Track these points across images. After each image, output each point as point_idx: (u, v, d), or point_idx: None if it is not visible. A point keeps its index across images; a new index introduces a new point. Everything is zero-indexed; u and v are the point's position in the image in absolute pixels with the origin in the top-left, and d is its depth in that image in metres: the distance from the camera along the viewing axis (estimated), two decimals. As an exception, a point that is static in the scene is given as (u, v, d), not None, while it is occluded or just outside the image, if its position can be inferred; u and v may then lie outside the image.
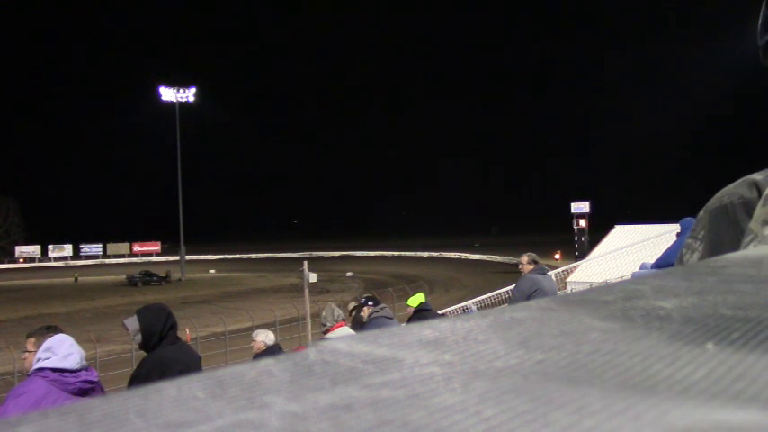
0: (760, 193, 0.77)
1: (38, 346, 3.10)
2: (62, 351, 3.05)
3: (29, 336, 3.26)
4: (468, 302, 19.79)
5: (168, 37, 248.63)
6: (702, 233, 0.84)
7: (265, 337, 5.66)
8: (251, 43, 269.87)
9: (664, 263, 4.88)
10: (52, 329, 3.23)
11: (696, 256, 0.84)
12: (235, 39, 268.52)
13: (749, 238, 0.70)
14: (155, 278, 56.73)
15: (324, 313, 5.12)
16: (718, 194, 0.84)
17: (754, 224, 0.70)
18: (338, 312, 5.14)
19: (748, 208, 0.78)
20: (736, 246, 0.77)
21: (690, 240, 0.86)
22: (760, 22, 0.80)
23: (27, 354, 3.18)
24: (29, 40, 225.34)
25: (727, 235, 0.80)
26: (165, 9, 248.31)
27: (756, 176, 0.80)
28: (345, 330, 5.05)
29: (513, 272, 16.04)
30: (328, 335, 4.88)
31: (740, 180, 0.82)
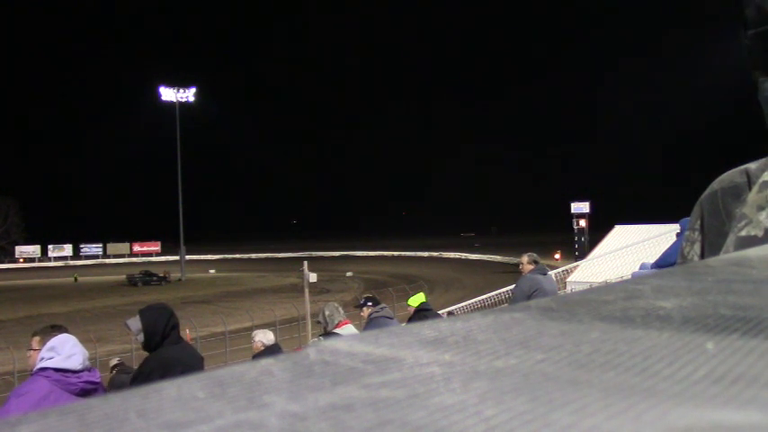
0: (749, 180, 0.79)
1: (42, 344, 3.09)
2: (65, 351, 3.04)
3: (34, 334, 3.25)
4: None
5: (168, 37, 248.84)
6: (698, 223, 0.85)
7: (263, 337, 5.65)
8: (251, 43, 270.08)
9: (664, 263, 4.88)
10: (57, 329, 3.22)
11: (697, 246, 0.85)
12: (235, 39, 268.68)
13: (743, 222, 0.72)
14: (154, 278, 56.72)
15: (327, 312, 5.09)
16: (712, 183, 0.86)
17: (748, 209, 0.72)
18: (342, 311, 5.21)
19: (737, 193, 0.80)
20: (721, 231, 0.79)
21: (689, 233, 0.88)
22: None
23: (31, 352, 3.17)
24: (29, 40, 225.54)
25: (716, 220, 0.82)
26: (166, 9, 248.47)
27: (751, 165, 0.82)
28: (350, 328, 5.06)
29: (513, 272, 16.04)
30: (337, 330, 4.91)
31: (735, 168, 0.83)
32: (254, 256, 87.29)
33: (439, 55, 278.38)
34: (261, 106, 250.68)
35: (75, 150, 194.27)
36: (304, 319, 22.36)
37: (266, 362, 0.24)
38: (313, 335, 20.07)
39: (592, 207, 39.46)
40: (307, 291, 22.79)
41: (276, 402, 0.20)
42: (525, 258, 6.19)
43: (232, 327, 25.54)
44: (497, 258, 60.72)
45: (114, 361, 6.74)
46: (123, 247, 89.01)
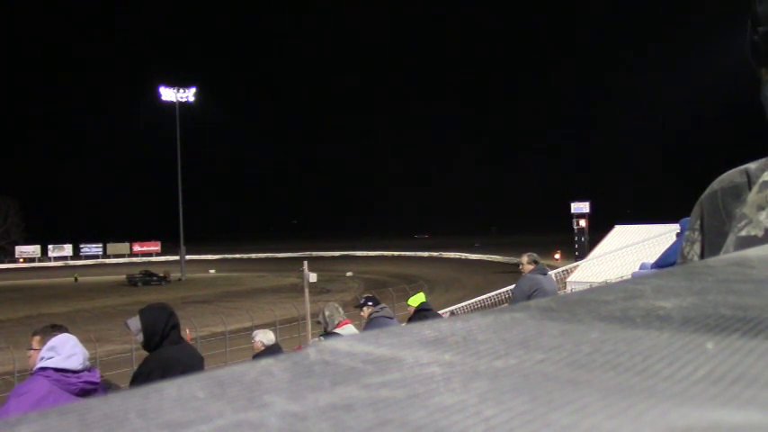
0: (749, 180, 0.78)
1: (42, 344, 3.08)
2: (65, 351, 3.04)
3: (34, 333, 3.24)
4: None
5: (168, 37, 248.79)
6: (698, 223, 0.85)
7: (263, 337, 5.66)
8: (251, 43, 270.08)
9: (664, 263, 4.88)
10: (57, 328, 3.22)
11: (697, 246, 0.84)
12: (234, 38, 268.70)
13: (743, 222, 0.71)
14: (154, 278, 56.73)
15: (327, 312, 5.12)
16: (712, 183, 0.85)
17: (748, 209, 0.72)
18: (342, 311, 5.24)
19: (737, 193, 0.79)
20: (721, 231, 0.78)
21: (689, 233, 0.87)
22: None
23: (32, 352, 3.16)
24: (29, 40, 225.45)
25: (716, 220, 0.81)
26: (166, 9, 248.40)
27: (751, 165, 0.81)
28: (350, 328, 5.08)
29: (513, 272, 16.05)
30: (337, 330, 4.93)
31: (735, 168, 0.83)
32: (254, 256, 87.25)
33: (439, 54, 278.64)
34: (261, 106, 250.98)
35: (75, 150, 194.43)
36: (304, 319, 22.35)
37: (266, 362, 0.24)
38: (313, 335, 20.06)
39: (592, 207, 39.47)
40: (307, 291, 22.79)
41: (276, 402, 0.20)
42: (525, 258, 6.19)
43: (232, 327, 25.52)
44: (497, 258, 60.70)
45: None
46: (123, 247, 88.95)
